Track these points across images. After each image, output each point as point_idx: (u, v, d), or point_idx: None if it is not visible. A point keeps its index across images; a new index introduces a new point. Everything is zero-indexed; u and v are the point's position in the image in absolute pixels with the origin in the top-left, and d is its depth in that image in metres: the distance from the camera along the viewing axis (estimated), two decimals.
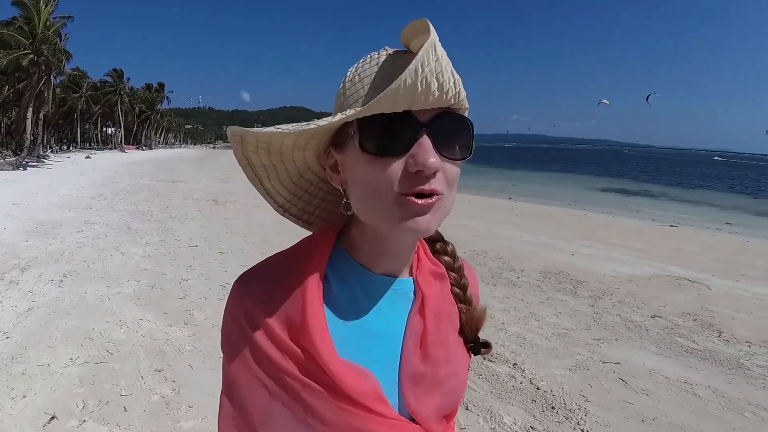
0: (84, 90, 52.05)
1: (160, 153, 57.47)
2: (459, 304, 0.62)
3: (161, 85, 78.92)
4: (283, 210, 0.63)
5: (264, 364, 0.52)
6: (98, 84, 58.68)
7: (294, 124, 0.48)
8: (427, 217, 0.48)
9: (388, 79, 0.46)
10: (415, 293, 0.58)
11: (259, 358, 0.52)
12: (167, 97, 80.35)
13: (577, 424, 2.77)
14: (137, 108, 68.78)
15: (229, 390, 0.56)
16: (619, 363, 3.69)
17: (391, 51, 0.52)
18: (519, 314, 4.67)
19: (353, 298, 0.55)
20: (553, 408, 2.91)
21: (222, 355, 0.58)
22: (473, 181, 20.74)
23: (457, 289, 0.62)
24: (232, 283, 0.58)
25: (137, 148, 67.58)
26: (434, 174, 0.47)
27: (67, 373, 2.94)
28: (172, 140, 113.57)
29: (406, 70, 0.42)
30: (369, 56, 0.52)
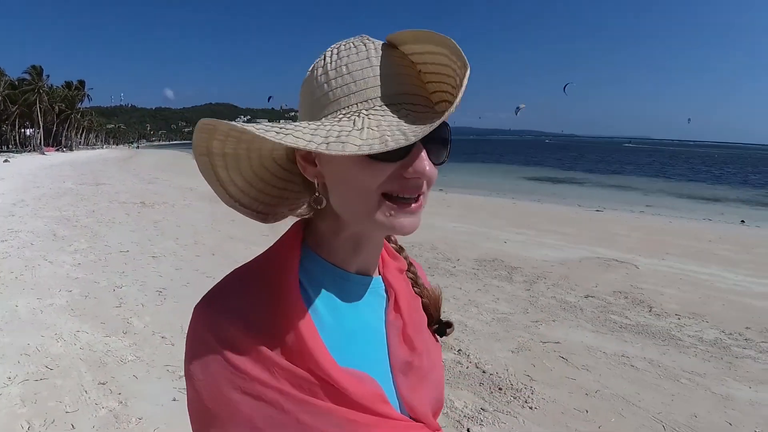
0: (1, 89, 54.99)
1: (81, 154, 59.83)
2: (422, 290, 0.75)
3: (81, 83, 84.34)
4: (234, 200, 0.68)
5: (253, 392, 0.56)
6: (16, 82, 62.07)
7: (287, 127, 0.54)
8: (414, 218, 0.57)
9: (385, 78, 0.56)
10: (386, 290, 0.69)
11: (246, 386, 0.56)
12: (88, 95, 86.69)
13: (525, 402, 3.22)
14: (57, 107, 73.38)
15: (207, 428, 0.59)
16: (558, 342, 4.30)
17: (375, 43, 0.60)
18: (458, 302, 5.28)
19: (331, 302, 0.63)
20: (500, 389, 3.35)
21: (189, 388, 0.60)
22: None
23: (410, 275, 0.75)
24: (194, 307, 0.61)
25: (57, 149, 72.13)
26: (424, 178, 0.56)
27: (6, 392, 3.20)
28: (94, 141, 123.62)
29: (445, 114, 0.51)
30: (350, 45, 0.59)
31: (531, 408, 3.16)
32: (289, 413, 0.55)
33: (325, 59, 0.59)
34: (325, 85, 0.58)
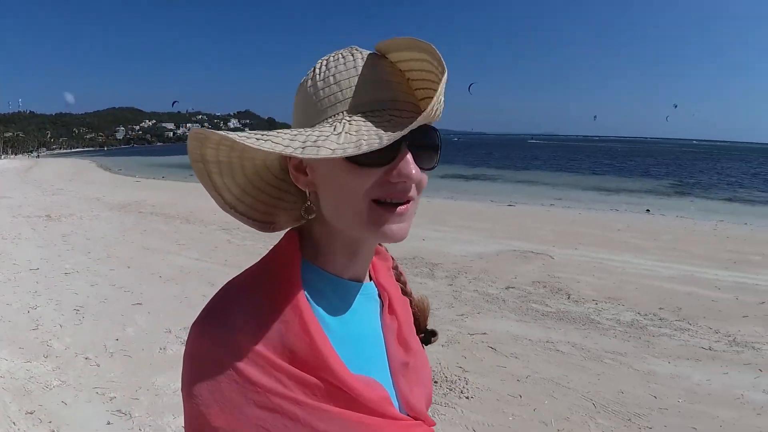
0: None
1: None
2: (411, 297, 0.86)
3: None
4: (230, 207, 0.74)
5: (268, 404, 0.60)
6: None
7: (267, 134, 0.60)
8: (404, 224, 0.64)
9: (371, 86, 0.63)
10: (380, 295, 0.77)
11: (260, 399, 0.60)
12: None
13: (461, 392, 3.50)
14: None
15: None
16: (485, 333, 4.66)
17: (363, 53, 0.66)
18: None
19: (333, 309, 0.69)
20: (436, 382, 3.59)
21: (191, 409, 0.63)
22: None
23: (401, 286, 0.84)
24: (191, 325, 0.65)
25: None
26: (412, 183, 0.63)
27: None
28: None
29: (422, 115, 0.57)
30: (338, 56, 0.66)
31: (467, 398, 3.44)
32: (304, 422, 0.60)
33: (314, 71, 0.67)
34: (314, 96, 0.65)
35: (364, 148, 0.55)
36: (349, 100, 0.63)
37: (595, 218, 13.04)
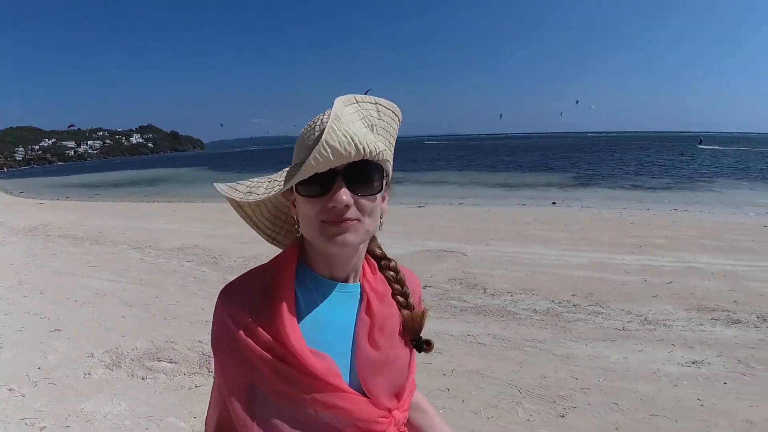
0: None
1: None
2: (402, 310, 1.07)
3: None
4: (272, 239, 1.14)
5: (246, 355, 0.93)
6: None
7: (263, 186, 0.97)
8: (346, 236, 0.90)
9: (311, 144, 0.91)
10: (362, 295, 1.03)
11: (242, 350, 0.93)
12: None
13: None
14: None
15: (219, 377, 1.01)
16: None
17: (326, 115, 0.93)
18: None
19: (311, 300, 1.00)
20: None
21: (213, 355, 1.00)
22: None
23: (399, 297, 1.08)
24: (218, 294, 0.99)
25: None
26: (346, 208, 0.89)
27: None
28: None
29: (312, 154, 0.83)
30: (314, 120, 0.95)
31: None
32: (270, 373, 0.93)
33: (303, 128, 0.98)
34: (295, 150, 0.99)
35: (264, 193, 0.95)
36: (302, 157, 0.94)
37: (504, 213, 13.67)
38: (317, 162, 0.84)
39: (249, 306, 0.95)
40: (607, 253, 8.16)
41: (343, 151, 0.84)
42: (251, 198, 0.95)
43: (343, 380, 0.96)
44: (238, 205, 1.05)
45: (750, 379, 3.81)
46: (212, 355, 1.00)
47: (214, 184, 1.00)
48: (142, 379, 4.11)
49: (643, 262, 7.51)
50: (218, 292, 0.99)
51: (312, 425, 0.94)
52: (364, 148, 0.86)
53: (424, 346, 1.10)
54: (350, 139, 0.85)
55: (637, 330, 4.86)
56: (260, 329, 0.93)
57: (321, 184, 0.89)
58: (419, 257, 8.06)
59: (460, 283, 6.53)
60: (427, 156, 63.97)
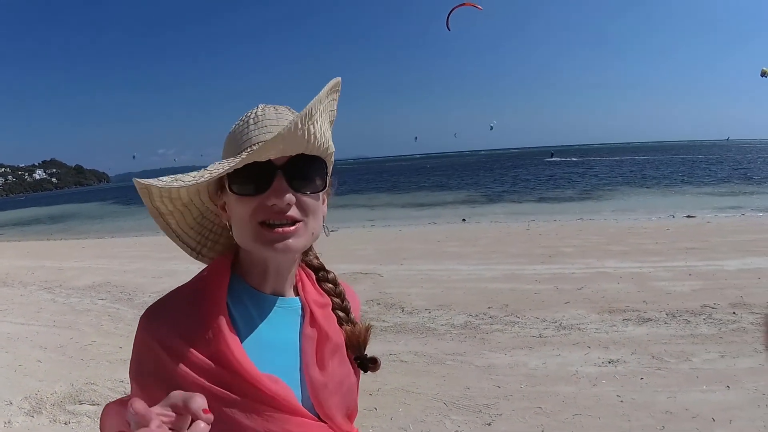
0: None
1: None
2: (344, 325, 0.99)
3: None
4: (197, 253, 1.02)
5: (180, 385, 0.76)
6: None
7: (191, 175, 0.84)
8: (288, 241, 0.83)
9: (252, 138, 0.85)
10: (303, 309, 0.94)
11: (174, 379, 0.80)
12: None
13: None
14: None
15: None
16: None
17: (260, 108, 0.89)
18: None
19: (249, 317, 0.89)
20: None
21: (131, 385, 0.87)
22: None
23: (339, 312, 1.00)
24: (140, 317, 0.87)
25: None
26: (288, 206, 0.82)
27: None
28: None
29: (274, 138, 0.76)
30: (246, 114, 0.89)
31: None
32: (211, 406, 0.71)
33: (232, 127, 0.91)
34: (224, 149, 0.92)
35: (195, 178, 0.82)
36: (237, 149, 0.87)
37: (416, 232, 13.93)
38: (270, 146, 0.77)
39: (180, 327, 0.84)
40: (519, 264, 8.48)
41: (301, 137, 0.78)
42: (175, 184, 0.83)
43: (300, 405, 0.87)
44: (159, 214, 0.93)
45: (665, 373, 4.04)
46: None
47: (134, 179, 0.85)
48: (65, 423, 3.93)
49: (553, 270, 7.86)
50: (135, 330, 0.87)
51: None
52: (315, 142, 0.81)
53: (369, 364, 1.01)
54: (312, 127, 0.79)
55: (553, 336, 5.05)
56: (196, 353, 0.81)
57: (258, 181, 0.82)
58: None
59: (378, 304, 6.54)
60: (335, 179, 64.43)
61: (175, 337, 0.82)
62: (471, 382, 4.08)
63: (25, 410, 4.14)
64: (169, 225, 0.95)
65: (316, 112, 0.78)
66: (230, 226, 0.89)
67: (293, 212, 0.82)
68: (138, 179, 0.83)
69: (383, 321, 5.84)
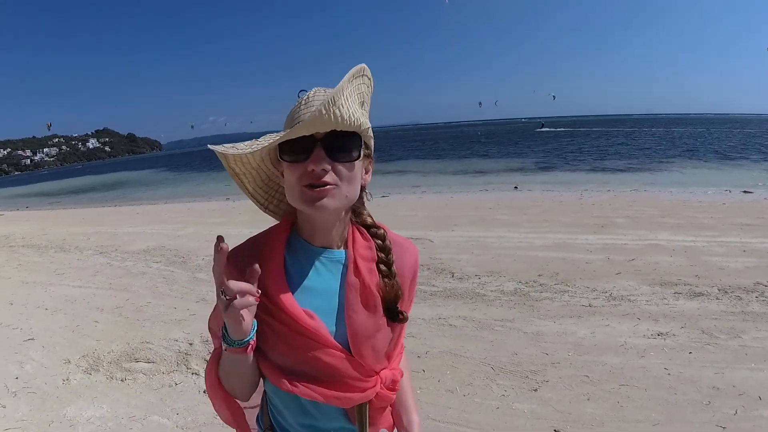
0: None
1: None
2: (384, 279, 1.12)
3: None
4: (264, 208, 1.23)
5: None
6: None
7: (245, 143, 1.07)
8: (324, 200, 0.99)
9: (300, 117, 1.03)
10: (348, 260, 1.11)
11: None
12: None
13: None
14: None
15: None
16: None
17: (314, 91, 1.06)
18: None
19: (299, 264, 1.10)
20: None
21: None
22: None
23: (382, 266, 1.13)
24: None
25: None
26: (324, 172, 0.98)
27: None
28: None
29: (307, 119, 0.95)
30: (307, 94, 1.06)
31: None
32: (266, 320, 1.05)
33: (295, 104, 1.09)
34: (286, 119, 1.09)
35: (245, 149, 1.04)
36: (289, 125, 1.06)
37: (467, 200, 13.84)
38: (303, 126, 0.94)
39: (243, 265, 0.99)
40: (570, 233, 8.35)
41: (327, 119, 0.93)
42: (231, 151, 1.03)
43: (330, 337, 1.06)
44: (235, 174, 1.13)
45: (714, 348, 3.97)
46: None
47: (208, 146, 1.07)
48: (121, 380, 4.07)
49: (605, 241, 7.72)
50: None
51: (301, 373, 1.06)
52: (351, 121, 0.96)
53: (399, 316, 1.13)
54: (338, 110, 0.94)
55: (602, 306, 5.01)
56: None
57: (302, 151, 0.99)
58: None
59: (428, 269, 6.59)
60: (389, 146, 64.20)
61: (237, 273, 0.97)
62: (519, 349, 4.11)
63: (83, 368, 4.33)
64: (243, 184, 1.16)
65: (339, 98, 0.93)
66: (285, 188, 1.07)
67: (329, 177, 0.99)
68: (212, 146, 1.05)
69: (433, 286, 5.90)
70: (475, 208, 11.80)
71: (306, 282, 1.09)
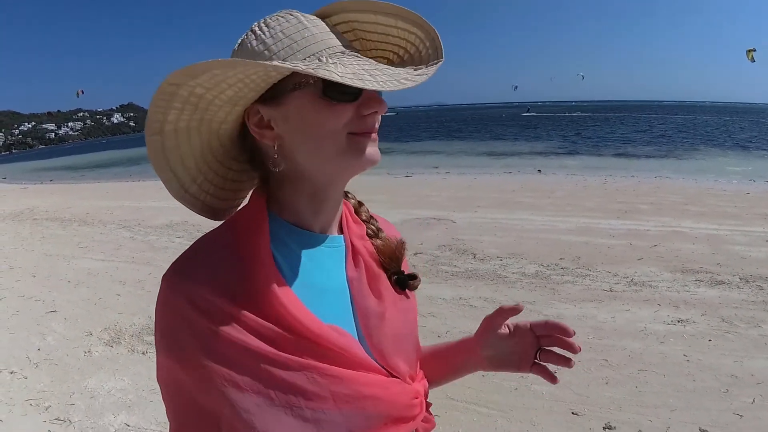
0: None
1: None
2: (375, 241, 0.85)
3: None
4: (183, 190, 0.80)
5: (224, 352, 0.66)
6: None
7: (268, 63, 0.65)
8: (376, 149, 0.74)
9: (325, 37, 0.71)
10: (346, 247, 0.81)
11: (221, 349, 0.66)
12: None
13: None
14: None
15: (179, 395, 0.70)
16: None
17: (300, 14, 0.72)
18: None
19: (297, 260, 0.75)
20: None
21: (159, 358, 0.71)
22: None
23: (370, 232, 0.87)
24: (162, 277, 0.70)
25: None
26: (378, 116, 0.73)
27: None
28: None
29: (418, 72, 0.71)
30: (276, 17, 0.72)
31: None
32: (264, 372, 0.66)
33: (255, 32, 0.72)
34: (266, 51, 0.70)
35: (370, 82, 0.64)
36: (307, 48, 0.69)
37: (490, 182, 13.77)
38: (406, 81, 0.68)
39: (218, 283, 0.68)
40: (593, 218, 8.28)
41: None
42: (297, 66, 0.64)
43: (371, 359, 0.74)
44: (159, 132, 0.73)
45: (733, 337, 3.93)
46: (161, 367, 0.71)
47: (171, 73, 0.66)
48: (143, 353, 4.13)
49: (628, 226, 7.64)
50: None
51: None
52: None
53: (409, 280, 0.86)
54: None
55: (623, 291, 4.97)
56: (244, 312, 0.67)
57: (353, 88, 0.67)
58: (408, 225, 8.10)
59: (450, 249, 6.61)
60: (413, 125, 63.94)
61: (214, 296, 0.67)
62: None
63: (105, 341, 4.42)
64: (164, 149, 0.75)
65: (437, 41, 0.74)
66: (278, 149, 0.73)
67: (379, 120, 0.75)
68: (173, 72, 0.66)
69: (454, 266, 5.91)
70: (499, 191, 11.75)
71: (315, 284, 0.75)
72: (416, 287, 0.88)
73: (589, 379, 3.41)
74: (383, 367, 0.75)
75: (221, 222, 0.79)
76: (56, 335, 4.62)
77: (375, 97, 0.71)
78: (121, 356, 4.12)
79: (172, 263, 0.72)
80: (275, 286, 0.68)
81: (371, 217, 0.91)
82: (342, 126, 0.69)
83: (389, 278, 0.84)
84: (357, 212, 0.89)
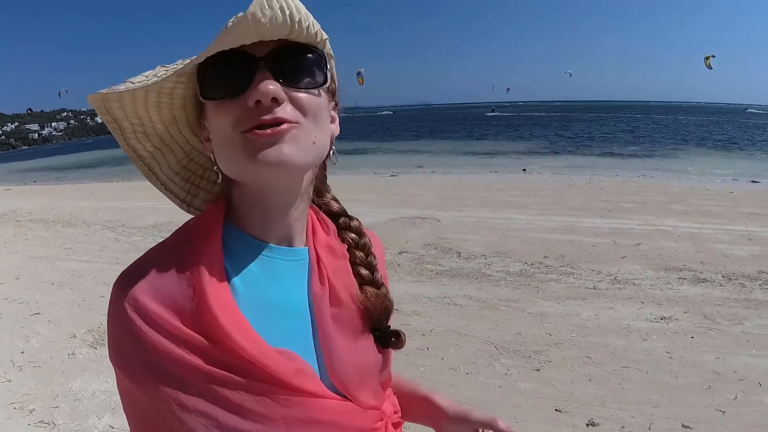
0: None
1: None
2: (365, 287, 0.75)
3: None
4: (187, 205, 0.82)
5: (177, 373, 0.60)
6: None
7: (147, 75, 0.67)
8: (280, 146, 0.60)
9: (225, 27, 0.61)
10: (310, 261, 0.72)
11: (171, 368, 0.60)
12: None
13: None
14: None
15: (132, 409, 0.66)
16: None
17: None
18: None
19: (250, 274, 0.68)
20: None
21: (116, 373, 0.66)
22: None
23: (363, 269, 0.77)
24: (113, 285, 0.67)
25: None
26: (276, 102, 0.61)
27: None
28: None
29: (238, 21, 0.57)
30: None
31: None
32: (204, 389, 0.60)
33: None
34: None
35: (203, 52, 0.60)
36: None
37: (475, 181, 13.77)
38: (236, 32, 0.57)
39: (161, 293, 0.63)
40: (577, 217, 8.30)
41: (268, 19, 0.56)
42: (122, 87, 0.64)
43: (321, 383, 0.67)
44: (138, 157, 0.75)
45: (716, 334, 3.95)
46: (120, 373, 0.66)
47: (87, 97, 0.67)
48: None
49: (612, 225, 7.66)
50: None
51: None
52: (301, 23, 0.59)
53: (392, 339, 0.76)
54: (282, 5, 0.56)
55: (607, 289, 4.99)
56: (183, 327, 0.62)
57: (236, 80, 0.61)
58: (394, 224, 8.10)
59: (435, 248, 6.59)
60: (398, 125, 63.99)
61: (161, 309, 0.62)
62: (523, 329, 4.11)
63: (89, 342, 4.34)
64: (152, 170, 0.77)
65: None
66: (214, 158, 0.68)
67: (285, 112, 0.61)
68: (91, 95, 0.66)
69: (439, 265, 5.90)
70: (485, 189, 11.75)
71: (268, 302, 0.68)
72: (401, 347, 0.78)
73: (572, 376, 3.40)
74: (344, 396, 0.69)
75: (178, 228, 0.74)
76: (40, 337, 4.54)
77: (263, 78, 0.60)
78: (105, 358, 4.01)
79: (123, 270, 0.68)
80: (222, 304, 0.62)
81: (366, 245, 0.81)
82: (231, 126, 0.62)
83: (372, 333, 0.75)
84: (341, 229, 0.80)
